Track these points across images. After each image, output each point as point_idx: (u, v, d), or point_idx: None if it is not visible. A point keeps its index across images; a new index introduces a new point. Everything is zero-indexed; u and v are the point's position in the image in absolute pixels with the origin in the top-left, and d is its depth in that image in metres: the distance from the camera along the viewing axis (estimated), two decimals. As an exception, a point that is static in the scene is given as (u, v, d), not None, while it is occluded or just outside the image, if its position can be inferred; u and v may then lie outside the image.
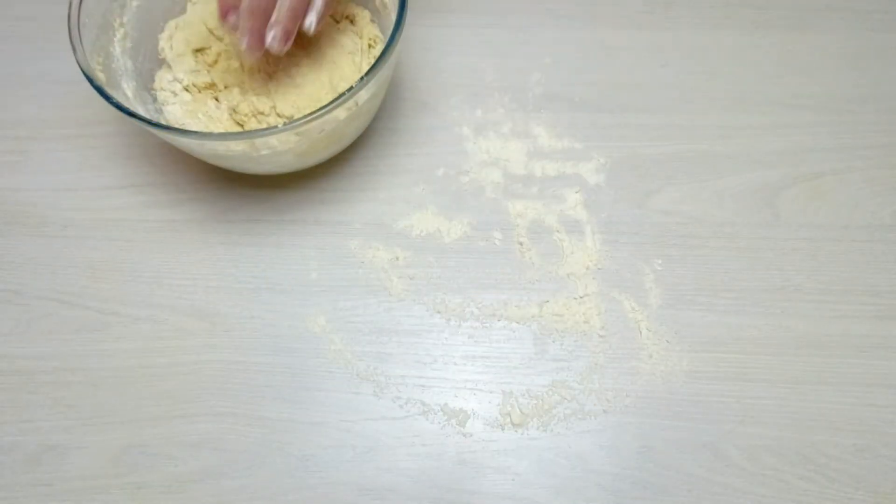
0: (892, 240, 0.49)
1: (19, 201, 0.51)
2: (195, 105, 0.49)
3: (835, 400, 0.44)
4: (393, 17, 0.45)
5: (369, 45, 0.51)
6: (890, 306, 0.47)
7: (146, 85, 0.50)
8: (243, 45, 0.43)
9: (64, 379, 0.45)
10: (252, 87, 0.48)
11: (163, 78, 0.50)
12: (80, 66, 0.43)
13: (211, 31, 0.50)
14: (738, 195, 0.51)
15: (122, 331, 0.47)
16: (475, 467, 0.43)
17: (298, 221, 0.50)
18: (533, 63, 0.57)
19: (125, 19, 0.49)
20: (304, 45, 0.49)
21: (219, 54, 0.50)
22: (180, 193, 0.52)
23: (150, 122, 0.41)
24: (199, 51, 0.50)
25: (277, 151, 0.44)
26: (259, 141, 0.41)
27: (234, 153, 0.43)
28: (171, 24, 0.51)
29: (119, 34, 0.48)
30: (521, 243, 0.50)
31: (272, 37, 0.43)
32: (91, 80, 0.42)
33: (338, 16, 0.52)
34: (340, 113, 0.42)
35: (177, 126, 0.48)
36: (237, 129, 0.48)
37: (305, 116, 0.40)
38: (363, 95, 0.43)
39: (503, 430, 0.44)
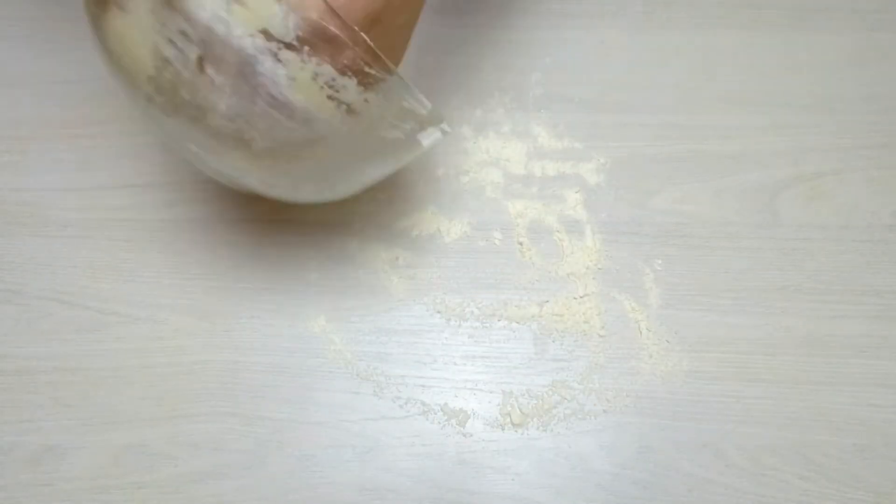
0: (892, 240, 0.49)
1: (19, 201, 0.51)
2: None
3: (835, 400, 0.44)
4: None
5: None
6: (890, 306, 0.47)
7: None
8: None
9: (64, 379, 0.45)
10: None
11: None
12: None
13: None
14: (738, 195, 0.51)
15: (122, 331, 0.47)
16: (475, 467, 0.43)
17: (298, 221, 0.50)
18: (533, 63, 0.57)
19: None
20: None
21: None
22: (180, 193, 0.52)
23: None
24: None
25: None
26: None
27: None
28: None
29: None
30: (521, 243, 0.50)
31: None
32: None
33: None
34: None
35: None
36: None
37: None
38: None
39: (503, 430, 0.44)
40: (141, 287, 0.48)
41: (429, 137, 0.38)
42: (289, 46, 0.31)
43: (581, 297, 0.48)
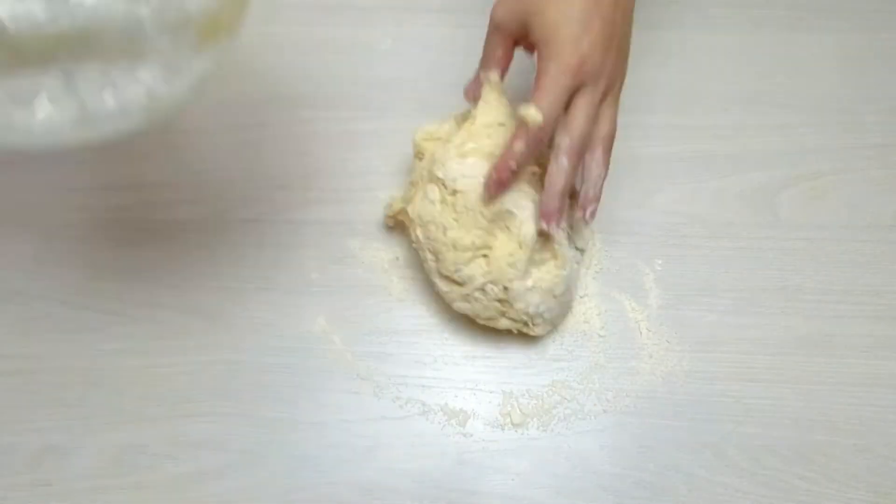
0: (892, 240, 0.49)
1: (19, 201, 0.51)
2: None
3: (835, 400, 0.44)
4: None
5: None
6: (890, 306, 0.47)
7: None
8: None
9: (64, 379, 0.45)
10: None
11: None
12: None
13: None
14: (738, 195, 0.51)
15: (122, 331, 0.47)
16: (475, 467, 0.43)
17: (298, 221, 0.50)
18: (533, 63, 0.57)
19: None
20: None
21: None
22: (180, 193, 0.52)
23: None
24: None
25: None
26: None
27: None
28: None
29: None
30: (521, 243, 0.50)
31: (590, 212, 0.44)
32: None
33: None
34: None
35: None
36: None
37: None
38: None
39: (503, 430, 0.44)
40: (141, 287, 0.48)
41: None
42: None
43: (581, 298, 0.48)
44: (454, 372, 0.46)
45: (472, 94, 0.47)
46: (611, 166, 0.52)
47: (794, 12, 0.59)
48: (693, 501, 0.42)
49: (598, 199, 0.44)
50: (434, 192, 0.44)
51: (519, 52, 0.47)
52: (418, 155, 0.48)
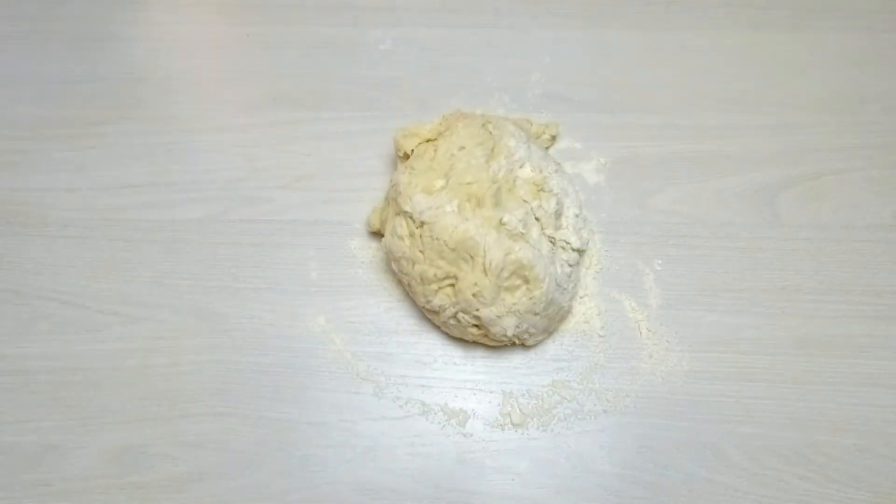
0: (892, 240, 0.49)
1: (19, 201, 0.51)
2: None
3: (835, 400, 0.44)
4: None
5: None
6: (890, 306, 0.47)
7: None
8: None
9: (64, 379, 0.45)
10: None
11: None
12: None
13: None
14: (738, 195, 0.51)
15: (122, 331, 0.47)
16: (475, 467, 0.43)
17: (298, 221, 0.50)
18: (533, 63, 0.57)
19: None
20: None
21: None
22: (180, 193, 0.52)
23: None
24: None
25: None
26: None
27: None
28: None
29: None
30: (521, 243, 0.50)
31: None
32: None
33: None
34: None
35: None
36: None
37: None
38: None
39: (503, 430, 0.44)
40: (141, 287, 0.48)
41: None
42: None
43: (581, 298, 0.48)
44: (454, 372, 0.46)
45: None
46: (611, 166, 0.52)
47: (794, 12, 0.59)
48: (693, 501, 0.42)
49: None
50: (402, 226, 0.44)
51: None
52: (399, 152, 0.49)
